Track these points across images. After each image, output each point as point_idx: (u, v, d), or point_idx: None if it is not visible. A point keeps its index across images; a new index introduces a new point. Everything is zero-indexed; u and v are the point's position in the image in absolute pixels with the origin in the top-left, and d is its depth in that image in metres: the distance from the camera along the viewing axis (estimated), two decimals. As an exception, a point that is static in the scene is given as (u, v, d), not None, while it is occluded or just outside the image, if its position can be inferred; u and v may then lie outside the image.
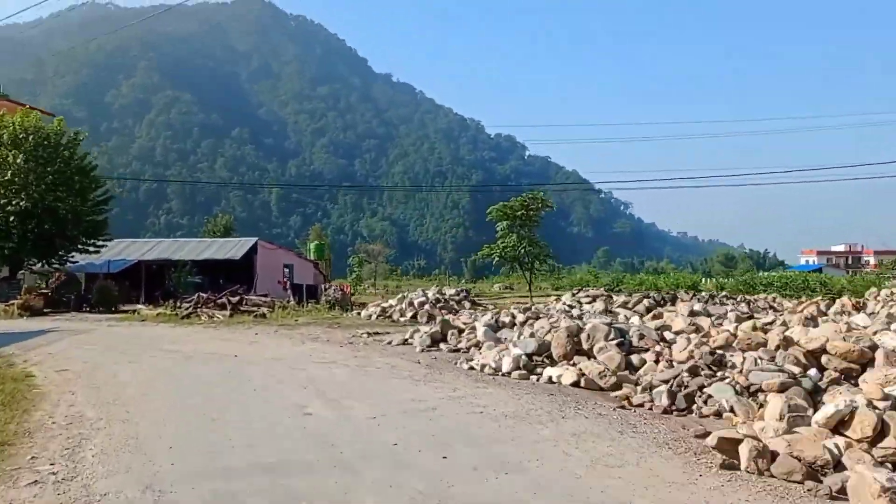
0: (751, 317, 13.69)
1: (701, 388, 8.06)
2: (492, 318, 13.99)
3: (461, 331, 14.04)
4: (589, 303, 22.33)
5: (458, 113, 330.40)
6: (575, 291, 25.11)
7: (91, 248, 32.83)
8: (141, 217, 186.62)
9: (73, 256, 32.85)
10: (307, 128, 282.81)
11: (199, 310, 24.99)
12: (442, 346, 13.56)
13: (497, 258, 43.92)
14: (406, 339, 14.66)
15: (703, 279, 67.82)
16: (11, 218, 29.38)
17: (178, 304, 26.84)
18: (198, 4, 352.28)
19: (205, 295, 26.16)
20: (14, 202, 29.39)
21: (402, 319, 21.47)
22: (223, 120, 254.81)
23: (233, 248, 36.22)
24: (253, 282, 36.25)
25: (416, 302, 21.90)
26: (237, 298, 25.70)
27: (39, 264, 32.35)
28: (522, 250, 43.06)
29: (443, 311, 21.66)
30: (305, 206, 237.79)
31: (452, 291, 23.39)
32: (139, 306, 27.63)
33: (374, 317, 22.63)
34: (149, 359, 13.01)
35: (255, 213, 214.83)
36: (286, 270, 40.71)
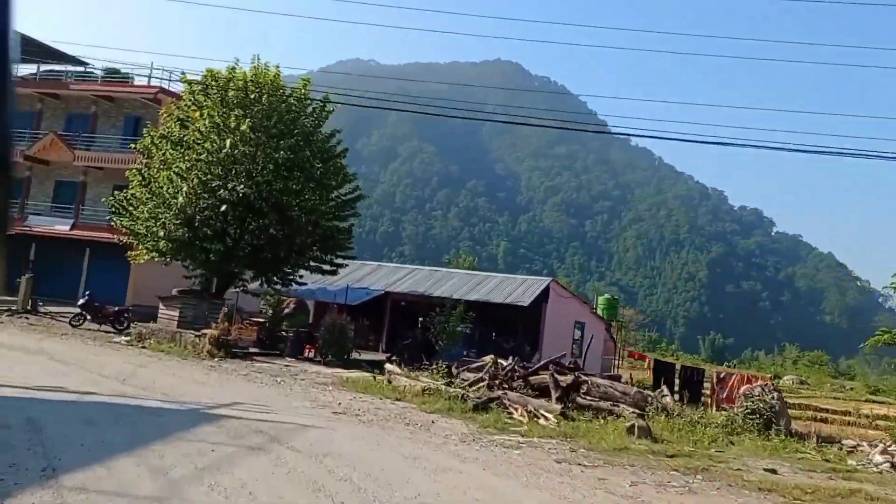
0: None
1: None
2: None
3: None
4: None
5: (699, 181, 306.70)
6: None
7: (326, 267, 22.72)
8: (376, 258, 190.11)
9: (300, 275, 23.01)
10: (540, 185, 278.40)
11: (497, 389, 12.82)
12: None
13: (914, 351, 27.46)
14: None
15: None
16: (224, 208, 19.91)
17: (454, 372, 14.99)
18: (450, 63, 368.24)
19: (504, 364, 13.96)
20: (230, 186, 19.93)
21: None
22: (461, 172, 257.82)
23: (518, 288, 24.31)
24: (537, 340, 24.04)
25: None
26: (568, 378, 13.12)
27: (257, 282, 22.84)
28: (963, 344, 26.32)
29: None
30: (532, 262, 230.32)
31: None
32: (388, 365, 16.26)
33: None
34: None
35: (481, 264, 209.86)
36: (577, 331, 28.02)
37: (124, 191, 21.96)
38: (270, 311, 23.16)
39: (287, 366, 16.93)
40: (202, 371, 13.87)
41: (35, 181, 31.05)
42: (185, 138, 20.80)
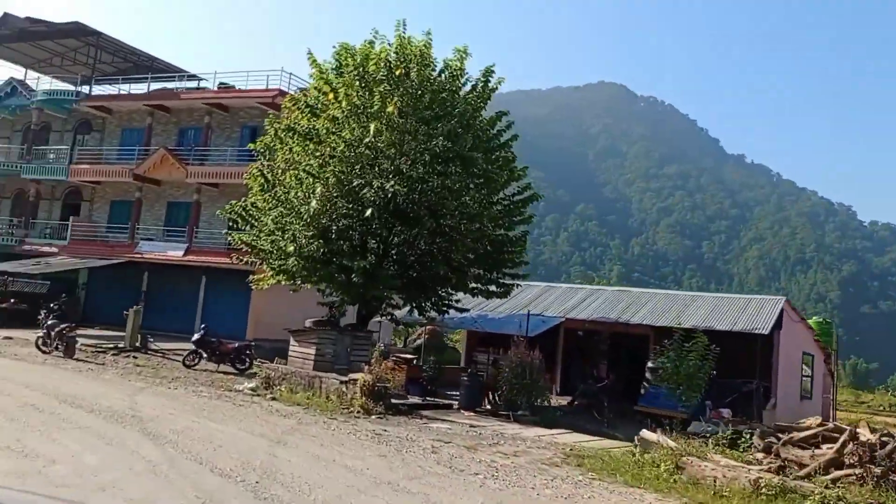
0: None
1: None
2: None
3: None
4: None
5: (823, 196, 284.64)
6: None
7: (495, 288, 17.50)
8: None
9: (457, 299, 17.91)
10: (652, 207, 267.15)
11: (884, 484, 6.97)
12: None
13: None
14: None
15: None
16: (370, 212, 15.08)
17: (758, 443, 9.25)
18: (552, 89, 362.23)
19: (865, 437, 8.11)
20: (376, 183, 15.09)
21: None
22: (569, 196, 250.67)
23: (742, 312, 18.19)
24: (768, 379, 17.74)
25: None
26: None
27: (406, 308, 17.93)
28: None
29: None
30: (646, 286, 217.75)
31: None
32: (648, 433, 10.73)
33: None
34: None
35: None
36: (805, 366, 21.47)
37: (243, 199, 17.74)
38: (402, 344, 18.35)
39: (472, 426, 11.73)
40: (369, 447, 8.82)
41: (146, 204, 27.92)
42: (315, 128, 16.31)
